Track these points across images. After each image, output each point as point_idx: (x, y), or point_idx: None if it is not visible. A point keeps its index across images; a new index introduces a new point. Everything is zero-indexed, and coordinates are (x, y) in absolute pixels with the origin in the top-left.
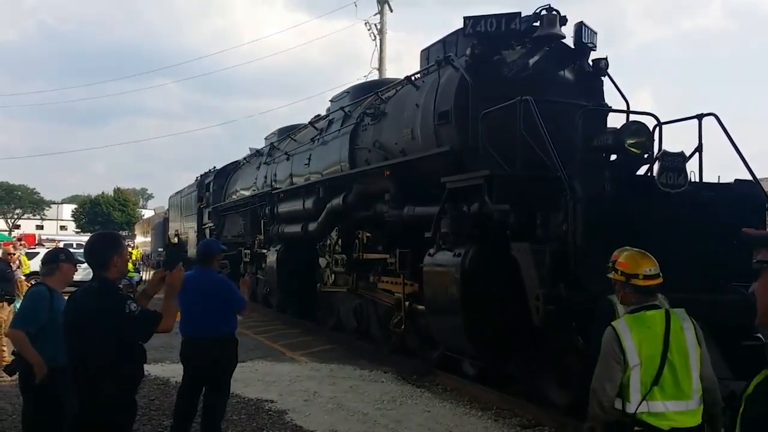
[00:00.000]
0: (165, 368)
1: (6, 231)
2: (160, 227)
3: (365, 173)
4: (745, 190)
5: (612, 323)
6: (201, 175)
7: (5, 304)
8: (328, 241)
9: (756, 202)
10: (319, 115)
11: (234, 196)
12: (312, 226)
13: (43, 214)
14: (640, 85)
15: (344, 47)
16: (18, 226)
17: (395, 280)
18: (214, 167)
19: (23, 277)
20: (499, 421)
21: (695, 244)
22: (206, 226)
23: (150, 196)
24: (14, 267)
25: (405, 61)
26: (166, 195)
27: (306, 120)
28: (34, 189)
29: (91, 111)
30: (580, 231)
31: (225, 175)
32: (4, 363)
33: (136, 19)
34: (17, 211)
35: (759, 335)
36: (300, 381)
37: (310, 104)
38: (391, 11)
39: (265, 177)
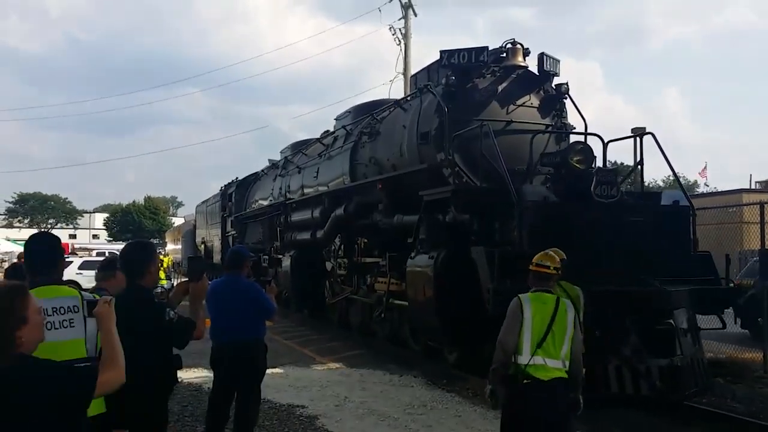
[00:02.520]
0: (198, 374)
1: None
2: (190, 235)
3: (363, 186)
4: (673, 198)
5: (518, 295)
6: (224, 186)
7: None
8: (333, 247)
9: (681, 209)
10: (327, 131)
11: (254, 206)
12: (320, 234)
13: (76, 224)
14: (667, 83)
15: (367, 51)
16: None
17: (385, 279)
18: (237, 178)
19: None
20: None
21: (624, 246)
22: (229, 233)
23: (180, 204)
24: None
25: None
26: (195, 202)
27: (321, 132)
28: (67, 199)
29: (120, 120)
30: (526, 235)
31: (246, 185)
32: None
33: (160, 28)
34: (50, 220)
35: (670, 321)
36: (330, 386)
37: (336, 110)
38: (416, 15)
39: (280, 188)
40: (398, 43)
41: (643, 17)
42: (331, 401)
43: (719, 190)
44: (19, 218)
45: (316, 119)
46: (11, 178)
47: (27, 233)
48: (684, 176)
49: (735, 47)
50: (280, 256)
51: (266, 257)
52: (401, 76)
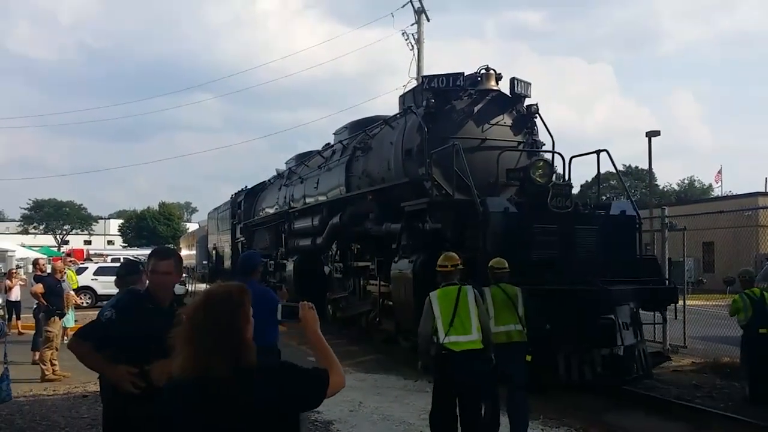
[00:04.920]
0: None
1: (55, 247)
2: (204, 240)
3: (356, 197)
4: (620, 209)
5: (429, 293)
6: (234, 194)
7: (56, 318)
8: (330, 252)
9: (628, 218)
10: (328, 144)
11: (261, 214)
12: (319, 240)
13: (91, 230)
14: (680, 86)
15: (379, 56)
16: (67, 242)
17: (377, 282)
18: (246, 186)
19: (72, 292)
20: (546, 430)
21: (576, 250)
22: (238, 240)
23: (194, 210)
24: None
25: (438, 69)
26: (209, 208)
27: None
28: (82, 205)
29: (134, 127)
30: (489, 240)
31: (254, 194)
32: (56, 376)
33: (171, 34)
34: (66, 226)
35: (611, 316)
36: (345, 391)
37: (348, 115)
38: (428, 20)
39: (285, 197)
40: (411, 48)
41: (655, 20)
42: (346, 406)
43: (735, 194)
44: (35, 225)
45: (331, 122)
46: (26, 185)
47: (42, 239)
48: (698, 179)
49: (747, 49)
50: (285, 262)
51: (272, 262)
52: (414, 81)
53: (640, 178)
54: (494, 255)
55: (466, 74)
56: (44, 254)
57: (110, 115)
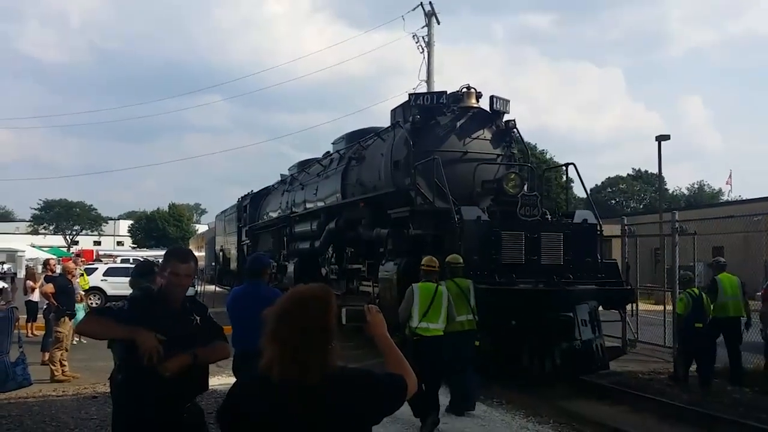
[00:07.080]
0: (221, 381)
1: (65, 247)
2: (213, 242)
3: (350, 203)
4: (583, 217)
5: (412, 285)
6: (241, 198)
7: (67, 318)
8: (327, 255)
9: (589, 226)
10: (328, 152)
11: (265, 217)
12: (317, 244)
13: (101, 230)
14: (690, 91)
15: (387, 59)
16: (76, 242)
17: (368, 283)
18: (252, 191)
19: (82, 292)
20: None
21: (542, 254)
22: (244, 243)
23: (203, 211)
24: (74, 282)
25: (447, 73)
26: (218, 210)
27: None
28: (92, 206)
29: (143, 128)
30: (464, 245)
31: (259, 198)
32: (65, 377)
33: (180, 36)
34: (75, 227)
35: (569, 314)
36: None
37: (357, 118)
38: (438, 23)
39: (287, 202)
40: (422, 51)
41: (665, 23)
42: None
43: (745, 199)
44: (45, 225)
45: (339, 126)
46: (36, 185)
47: (52, 240)
48: (708, 184)
49: (756, 53)
50: (286, 264)
51: (275, 264)
52: (424, 84)
53: (650, 183)
54: (468, 258)
55: (449, 92)
56: (54, 255)
57: (120, 116)
